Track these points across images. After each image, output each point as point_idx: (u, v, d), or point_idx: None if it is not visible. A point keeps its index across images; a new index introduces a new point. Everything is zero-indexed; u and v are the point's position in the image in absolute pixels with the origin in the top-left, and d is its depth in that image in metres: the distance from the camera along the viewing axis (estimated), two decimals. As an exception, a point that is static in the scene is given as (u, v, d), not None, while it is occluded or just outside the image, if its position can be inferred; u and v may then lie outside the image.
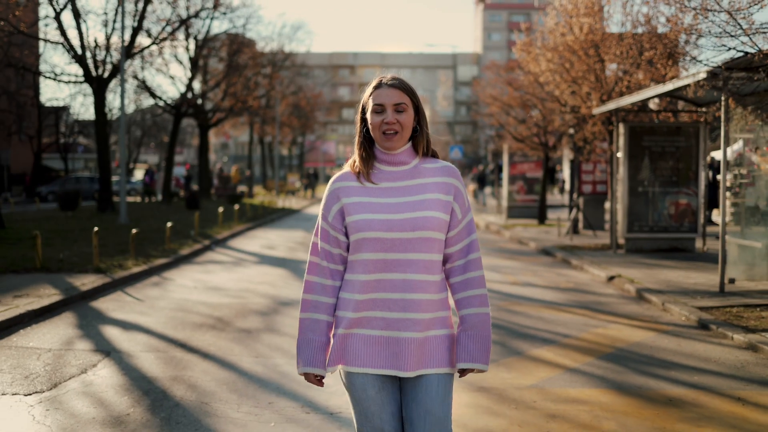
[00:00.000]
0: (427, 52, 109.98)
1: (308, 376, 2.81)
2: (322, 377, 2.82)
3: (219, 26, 34.33)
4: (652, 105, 16.81)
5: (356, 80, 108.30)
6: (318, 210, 2.98)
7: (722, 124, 9.84)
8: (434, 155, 2.89)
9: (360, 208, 2.74)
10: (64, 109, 46.86)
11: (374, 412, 2.72)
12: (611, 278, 11.85)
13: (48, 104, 46.06)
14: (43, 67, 35.33)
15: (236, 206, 23.76)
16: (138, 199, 38.67)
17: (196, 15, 29.92)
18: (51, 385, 5.82)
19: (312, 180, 52.50)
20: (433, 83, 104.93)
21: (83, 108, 52.37)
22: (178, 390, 5.75)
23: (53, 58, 52.09)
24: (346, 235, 2.78)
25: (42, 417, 5.10)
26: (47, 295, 9.21)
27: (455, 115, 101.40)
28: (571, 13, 16.34)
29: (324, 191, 2.83)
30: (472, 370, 2.80)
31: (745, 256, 10.70)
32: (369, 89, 2.81)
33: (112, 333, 7.78)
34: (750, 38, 8.13)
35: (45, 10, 24.54)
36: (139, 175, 58.08)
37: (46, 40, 24.43)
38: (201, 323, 8.31)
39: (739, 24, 8.07)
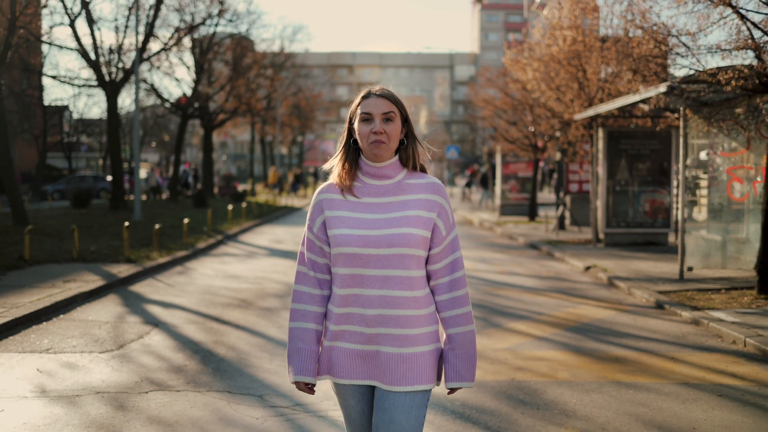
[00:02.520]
0: (424, 52, 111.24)
1: (299, 385, 2.85)
2: (313, 385, 2.87)
3: (223, 30, 35.34)
4: (641, 107, 18.16)
5: (354, 80, 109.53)
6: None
7: (681, 130, 11.24)
8: (423, 169, 2.92)
9: (340, 222, 2.77)
10: (65, 108, 48.11)
11: (356, 420, 2.83)
12: (587, 268, 13.23)
13: (53, 105, 47.31)
14: (46, 69, 36.62)
15: (243, 204, 25.15)
16: (144, 197, 39.91)
17: (203, 22, 31.25)
18: (117, 346, 7.24)
19: (304, 178, 53.72)
20: (430, 83, 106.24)
21: (86, 108, 53.68)
22: (221, 350, 7.16)
23: (57, 60, 53.32)
24: (329, 243, 2.82)
25: (119, 366, 6.51)
26: (92, 281, 10.62)
27: (452, 114, 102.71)
28: (556, 26, 17.74)
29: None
30: (460, 388, 2.88)
31: (702, 247, 12.11)
32: (357, 99, 2.84)
33: (154, 310, 9.19)
34: (697, 59, 9.52)
35: (61, 18, 25.73)
36: (140, 174, 59.15)
37: (62, 47, 25.72)
38: (227, 303, 9.71)
39: (687, 47, 9.46)
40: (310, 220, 2.87)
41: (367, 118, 2.77)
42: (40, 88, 42.11)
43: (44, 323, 8.29)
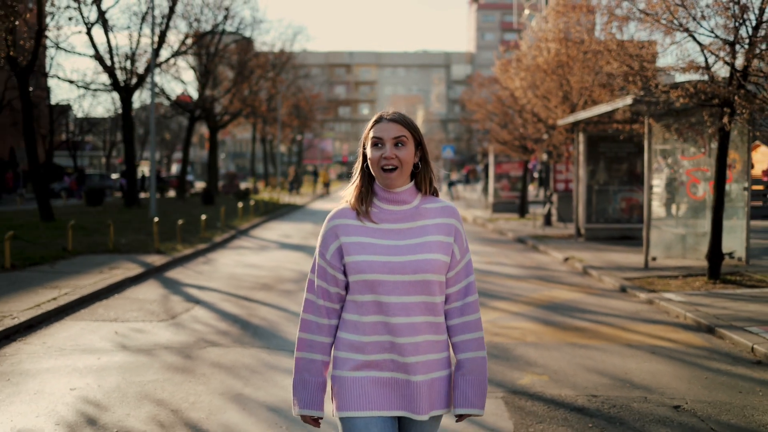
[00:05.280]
0: (421, 51, 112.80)
1: (305, 418, 2.79)
2: (320, 418, 2.80)
3: (229, 34, 36.86)
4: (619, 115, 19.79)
5: (352, 79, 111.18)
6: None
7: (646, 137, 12.87)
8: (435, 193, 2.86)
9: (360, 248, 2.70)
10: (69, 108, 49.51)
11: None
12: (566, 259, 14.85)
13: (58, 105, 48.75)
14: (54, 71, 38.19)
15: (252, 202, 26.78)
16: (147, 195, 41.47)
17: (212, 30, 32.86)
18: (170, 317, 8.89)
19: (299, 177, 55.29)
20: (427, 82, 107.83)
21: (91, 107, 55.21)
22: (255, 320, 8.81)
23: (61, 62, 54.92)
24: (345, 273, 2.74)
25: (176, 331, 8.17)
26: (132, 268, 12.26)
27: (448, 113, 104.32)
28: (542, 38, 19.38)
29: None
30: (469, 415, 2.81)
31: (666, 240, 13.74)
32: (369, 124, 2.78)
33: (192, 291, 10.85)
34: (653, 77, 11.15)
35: (80, 26, 27.20)
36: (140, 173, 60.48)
37: (81, 54, 27.32)
38: (252, 286, 11.35)
39: (645, 67, 11.10)
40: (322, 246, 2.78)
41: (377, 143, 2.72)
42: (47, 89, 43.58)
43: (104, 300, 9.96)
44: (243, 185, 52.54)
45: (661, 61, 11.99)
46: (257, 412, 5.59)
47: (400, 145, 2.71)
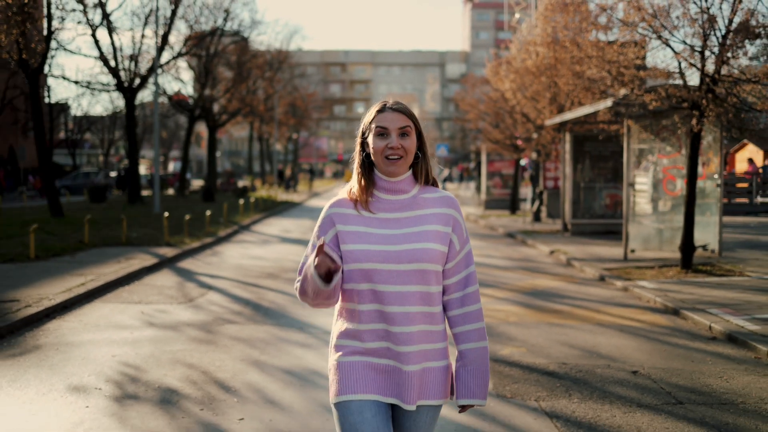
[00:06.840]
0: (416, 50, 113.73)
1: (319, 251, 2.61)
2: (323, 244, 2.61)
3: (228, 35, 37.66)
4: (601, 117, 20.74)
5: (347, 78, 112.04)
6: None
7: (625, 138, 13.83)
8: (434, 184, 2.86)
9: (356, 237, 2.71)
10: (68, 107, 50.27)
11: None
12: (552, 252, 15.79)
13: (58, 103, 49.49)
14: (55, 70, 38.95)
15: (252, 199, 27.70)
16: (149, 192, 42.28)
17: (213, 33, 33.74)
18: (188, 300, 9.83)
19: (295, 176, 56.23)
20: (422, 81, 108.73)
21: (90, 106, 55.98)
22: (265, 302, 9.75)
23: (62, 61, 55.77)
24: (341, 257, 2.74)
25: (195, 312, 9.11)
26: (147, 259, 13.19)
27: (443, 111, 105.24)
28: (531, 42, 20.33)
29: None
30: (472, 406, 2.81)
31: (644, 233, 14.70)
32: (371, 113, 2.77)
33: (204, 279, 11.78)
34: (630, 81, 12.11)
35: (84, 28, 27.98)
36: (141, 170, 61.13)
37: (86, 55, 28.20)
38: (259, 275, 12.28)
39: (621, 74, 12.05)
40: (319, 231, 2.80)
41: (382, 132, 2.73)
42: (47, 88, 44.34)
43: (126, 286, 10.91)
44: (240, 183, 53.46)
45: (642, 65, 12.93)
46: (274, 373, 6.55)
47: (404, 135, 2.74)
